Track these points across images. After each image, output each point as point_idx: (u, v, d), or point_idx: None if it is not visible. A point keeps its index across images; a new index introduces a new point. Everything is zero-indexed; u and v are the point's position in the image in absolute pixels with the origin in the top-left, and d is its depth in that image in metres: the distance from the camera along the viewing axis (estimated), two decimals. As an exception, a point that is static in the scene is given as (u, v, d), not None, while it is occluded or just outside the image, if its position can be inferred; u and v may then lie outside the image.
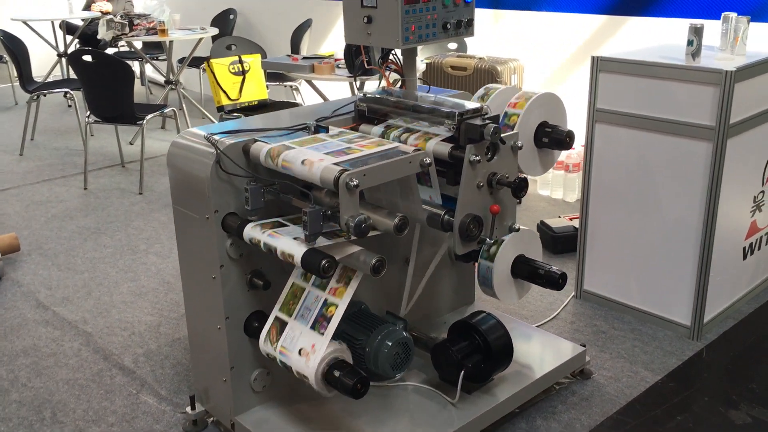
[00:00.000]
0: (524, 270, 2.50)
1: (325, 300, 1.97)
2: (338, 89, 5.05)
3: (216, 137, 2.06)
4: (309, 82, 4.51)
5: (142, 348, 2.85)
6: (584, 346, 2.59)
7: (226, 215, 2.06)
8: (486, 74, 4.02)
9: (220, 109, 4.49)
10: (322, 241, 1.84)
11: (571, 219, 3.66)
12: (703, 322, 2.82)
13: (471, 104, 2.05)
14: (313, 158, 1.85)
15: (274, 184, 2.01)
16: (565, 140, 2.26)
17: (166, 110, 4.74)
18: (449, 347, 2.22)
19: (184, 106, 5.87)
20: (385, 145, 1.96)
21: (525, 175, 2.05)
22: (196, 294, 2.24)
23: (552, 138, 2.27)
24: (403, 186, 1.97)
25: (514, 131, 2.09)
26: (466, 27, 2.32)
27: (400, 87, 2.45)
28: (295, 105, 4.70)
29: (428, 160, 1.89)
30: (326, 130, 2.10)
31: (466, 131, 1.95)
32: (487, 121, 1.96)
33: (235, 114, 4.49)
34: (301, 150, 1.93)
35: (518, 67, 4.16)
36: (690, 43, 2.64)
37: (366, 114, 2.24)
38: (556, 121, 2.35)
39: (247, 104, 4.55)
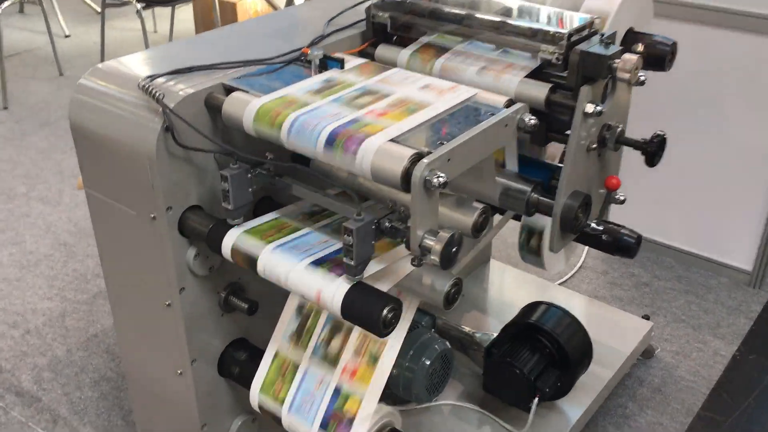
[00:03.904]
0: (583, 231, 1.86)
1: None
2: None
3: (158, 81, 1.22)
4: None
5: (44, 356, 2.04)
6: (648, 318, 2.01)
7: (186, 212, 1.26)
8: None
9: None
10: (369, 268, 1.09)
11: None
12: None
13: (575, 15, 1.29)
14: (350, 128, 1.07)
15: (264, 162, 1.21)
16: (667, 57, 1.54)
17: (26, -6, 3.62)
18: (515, 366, 1.56)
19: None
20: (455, 93, 1.19)
21: (662, 132, 1.34)
22: (137, 327, 1.46)
23: (650, 53, 1.54)
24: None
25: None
26: None
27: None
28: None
29: (532, 121, 1.15)
30: (340, 63, 1.29)
31: (585, 64, 1.20)
32: (613, 47, 1.21)
33: (124, 1, 3.46)
34: (320, 110, 1.13)
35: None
36: None
37: (388, 29, 1.44)
38: (643, 28, 1.63)
39: (142, -15, 3.51)
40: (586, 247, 2.50)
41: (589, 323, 1.81)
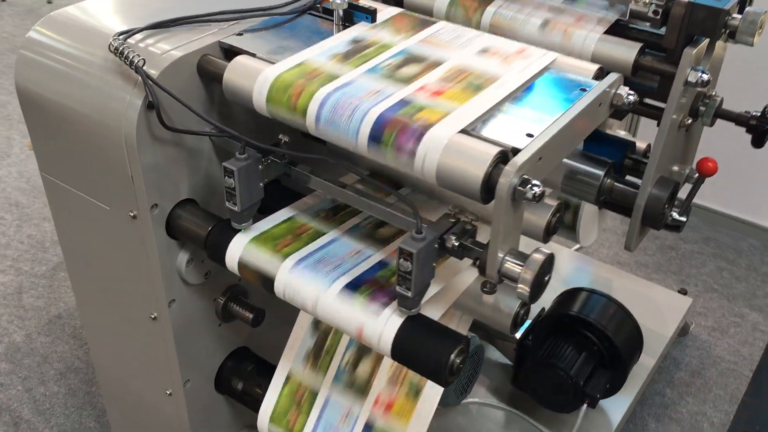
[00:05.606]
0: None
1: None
2: None
3: (134, 39, 0.92)
4: None
5: (0, 342, 1.77)
6: (685, 293, 1.81)
7: (176, 208, 0.99)
8: None
9: None
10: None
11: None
12: (802, 226, 2.10)
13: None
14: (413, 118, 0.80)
15: (276, 150, 0.93)
16: None
17: None
18: (559, 367, 1.34)
19: None
20: (526, 60, 0.91)
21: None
22: (114, 341, 1.19)
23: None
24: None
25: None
26: None
27: None
28: None
29: (631, 97, 0.88)
30: (371, 16, 0.99)
31: (694, 20, 0.92)
32: (729, -1, 0.94)
33: None
34: (355, 86, 0.85)
35: None
36: None
37: (422, -32, 1.14)
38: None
39: None
40: (604, 205, 2.28)
41: (622, 301, 1.60)
